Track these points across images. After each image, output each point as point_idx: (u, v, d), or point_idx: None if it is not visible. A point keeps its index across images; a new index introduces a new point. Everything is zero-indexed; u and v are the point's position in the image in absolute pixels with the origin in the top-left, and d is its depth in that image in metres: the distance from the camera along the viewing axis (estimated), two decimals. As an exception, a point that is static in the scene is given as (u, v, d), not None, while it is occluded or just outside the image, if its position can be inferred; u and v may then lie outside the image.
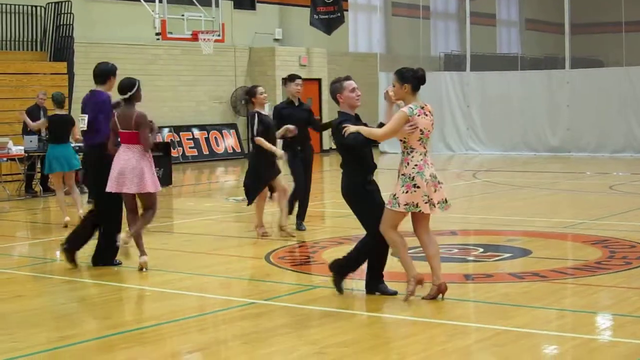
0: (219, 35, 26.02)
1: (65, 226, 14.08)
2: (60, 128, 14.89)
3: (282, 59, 31.46)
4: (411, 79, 8.52)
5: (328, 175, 25.84)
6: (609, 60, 35.74)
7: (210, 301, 9.19)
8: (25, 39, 25.11)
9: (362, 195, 8.77)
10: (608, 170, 23.63)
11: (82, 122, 11.00)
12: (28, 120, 17.98)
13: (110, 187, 10.43)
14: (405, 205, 8.44)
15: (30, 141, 19.07)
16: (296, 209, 13.38)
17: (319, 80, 32.63)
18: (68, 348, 7.32)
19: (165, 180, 20.93)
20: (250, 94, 12.74)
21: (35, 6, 25.14)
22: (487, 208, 16.27)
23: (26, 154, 19.25)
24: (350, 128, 8.52)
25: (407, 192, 8.43)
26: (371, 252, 8.80)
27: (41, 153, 19.21)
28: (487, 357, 7.02)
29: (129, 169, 10.37)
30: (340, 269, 8.94)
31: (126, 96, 10.44)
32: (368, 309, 8.48)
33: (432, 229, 8.71)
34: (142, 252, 10.50)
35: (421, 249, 8.81)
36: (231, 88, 30.84)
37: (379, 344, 7.37)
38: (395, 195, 8.50)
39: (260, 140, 12.21)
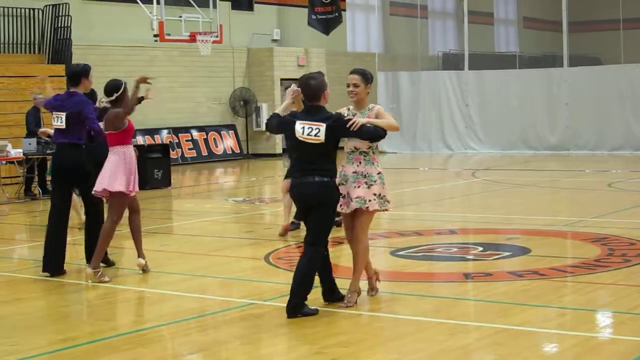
0: (216, 36, 26.08)
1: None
2: None
3: (280, 60, 31.47)
4: (371, 81, 8.54)
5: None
6: (606, 57, 35.75)
7: (210, 302, 9.20)
8: (23, 42, 25.11)
9: (337, 199, 8.35)
10: (607, 167, 23.64)
11: (59, 120, 10.61)
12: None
13: (128, 187, 10.24)
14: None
15: (29, 144, 19.06)
16: None
17: (317, 81, 32.51)
18: (69, 350, 7.33)
19: (164, 181, 20.99)
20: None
21: (33, 9, 25.15)
22: (486, 207, 16.27)
23: (25, 157, 19.25)
24: (361, 120, 8.14)
25: (384, 187, 8.43)
26: (320, 262, 8.37)
27: (40, 155, 19.22)
28: (486, 356, 7.02)
29: (135, 169, 10.34)
30: (300, 296, 8.14)
31: (112, 98, 10.25)
32: (367, 308, 8.47)
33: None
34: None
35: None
36: (229, 89, 30.84)
37: (378, 343, 7.38)
38: (381, 195, 8.35)
39: None
